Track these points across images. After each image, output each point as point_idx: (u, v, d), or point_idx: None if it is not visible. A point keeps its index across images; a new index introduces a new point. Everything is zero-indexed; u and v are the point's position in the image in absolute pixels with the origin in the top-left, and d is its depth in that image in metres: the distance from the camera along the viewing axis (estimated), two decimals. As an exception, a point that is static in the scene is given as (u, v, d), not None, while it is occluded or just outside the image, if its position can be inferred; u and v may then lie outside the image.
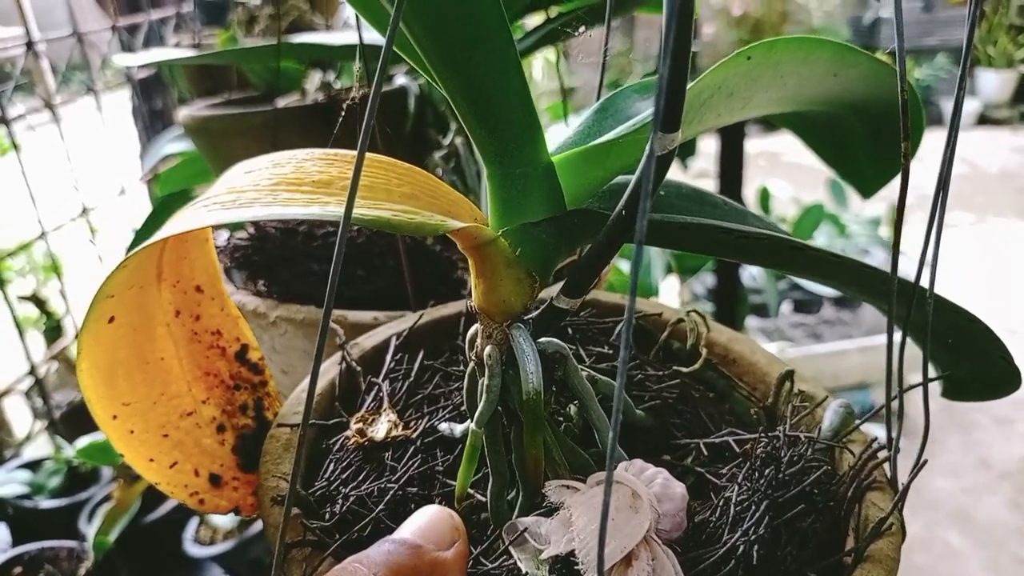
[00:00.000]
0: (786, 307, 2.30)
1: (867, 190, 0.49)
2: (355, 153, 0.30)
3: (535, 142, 0.27)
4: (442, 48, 0.26)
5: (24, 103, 1.03)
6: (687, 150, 1.25)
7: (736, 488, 0.31)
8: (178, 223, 0.27)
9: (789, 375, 0.38)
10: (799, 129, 0.50)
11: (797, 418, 0.35)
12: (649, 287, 1.32)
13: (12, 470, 1.06)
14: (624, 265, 1.49)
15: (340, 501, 0.30)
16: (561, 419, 0.33)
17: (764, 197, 2.14)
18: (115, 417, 0.33)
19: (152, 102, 1.30)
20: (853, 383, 1.96)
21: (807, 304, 2.27)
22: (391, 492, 0.30)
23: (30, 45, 1.02)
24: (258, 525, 0.99)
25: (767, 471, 0.31)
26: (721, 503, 0.30)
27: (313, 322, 0.47)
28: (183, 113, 0.67)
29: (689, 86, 0.28)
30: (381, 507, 0.30)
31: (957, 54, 5.38)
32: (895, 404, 0.32)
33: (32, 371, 1.06)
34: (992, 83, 5.40)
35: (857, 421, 0.35)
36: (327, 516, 0.30)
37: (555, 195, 0.28)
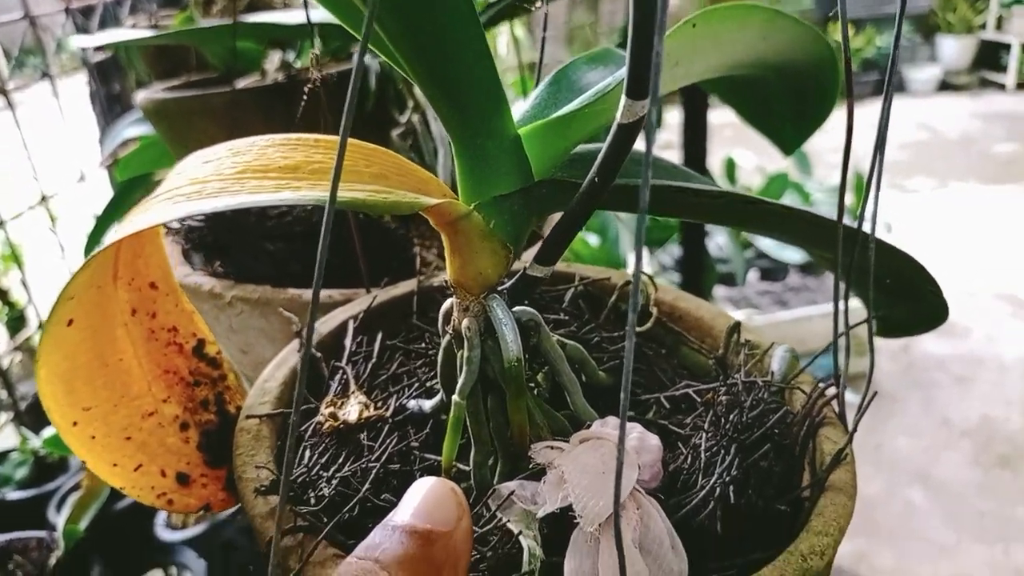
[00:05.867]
0: (753, 275, 2.35)
1: (788, 147, 0.52)
2: (317, 136, 0.30)
3: (501, 115, 0.28)
4: (406, 24, 0.26)
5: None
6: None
7: (704, 435, 0.32)
8: (145, 217, 0.27)
9: (737, 326, 0.40)
10: (726, 92, 0.52)
11: (749, 365, 0.37)
12: (617, 259, 1.34)
13: (-23, 462, 1.04)
14: (592, 239, 1.51)
15: (324, 484, 0.30)
16: (532, 385, 0.34)
17: (730, 167, 2.19)
18: (75, 424, 0.32)
19: (110, 86, 1.24)
20: (819, 347, 2.05)
21: (773, 272, 2.33)
22: (374, 471, 0.31)
23: (-20, 29, 0.97)
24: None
25: (732, 416, 0.32)
26: (691, 451, 0.32)
27: (268, 301, 0.47)
28: (141, 96, 0.64)
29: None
30: (367, 486, 0.30)
31: (918, 22, 5.52)
32: (841, 341, 0.34)
33: (-5, 362, 1.03)
34: (952, 49, 5.56)
35: (803, 363, 0.38)
36: (312, 501, 0.30)
37: (523, 167, 0.28)
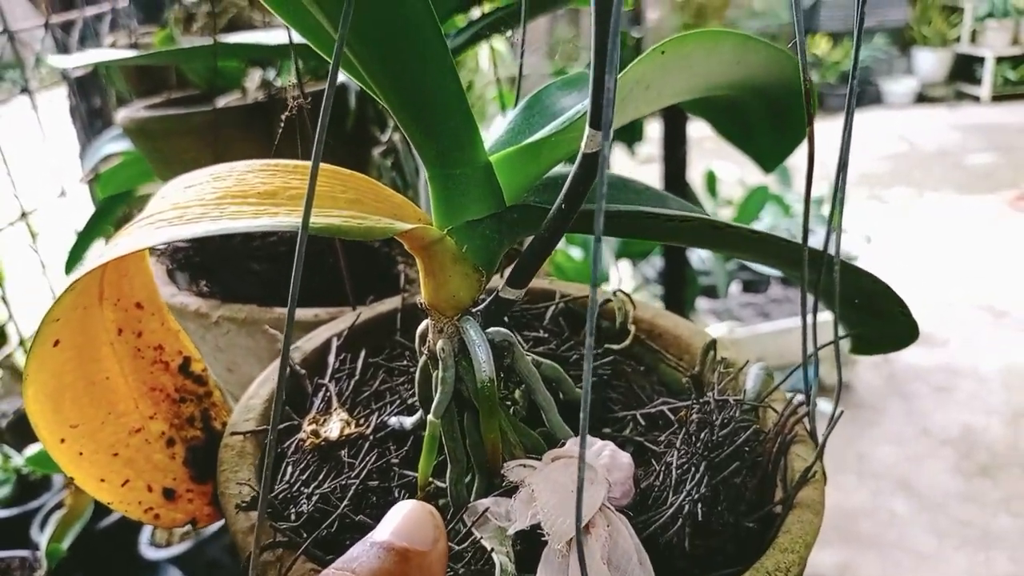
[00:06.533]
0: (735, 288, 2.35)
1: (768, 164, 0.53)
2: (296, 163, 0.30)
3: (473, 143, 0.29)
4: (380, 58, 0.27)
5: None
6: (634, 136, 1.28)
7: (675, 453, 0.33)
8: (128, 242, 0.28)
9: (713, 344, 0.40)
10: (705, 112, 0.53)
11: (723, 383, 0.38)
12: (601, 273, 1.35)
13: (-42, 482, 1.02)
14: (575, 252, 1.52)
15: (304, 501, 0.31)
16: (508, 403, 0.35)
17: (711, 180, 2.19)
18: (63, 440, 0.33)
19: (90, 101, 1.24)
20: (800, 359, 2.05)
21: (755, 284, 2.34)
22: (353, 488, 0.31)
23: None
24: (215, 525, 0.98)
25: (702, 434, 0.33)
26: (663, 468, 0.33)
27: (255, 320, 0.48)
28: (122, 114, 0.65)
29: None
30: (346, 503, 0.31)
31: (894, 35, 5.63)
32: (813, 360, 0.35)
33: (-26, 379, 1.02)
34: (928, 62, 5.68)
35: (776, 382, 0.39)
36: (292, 517, 0.31)
37: (495, 192, 0.29)
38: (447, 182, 0.29)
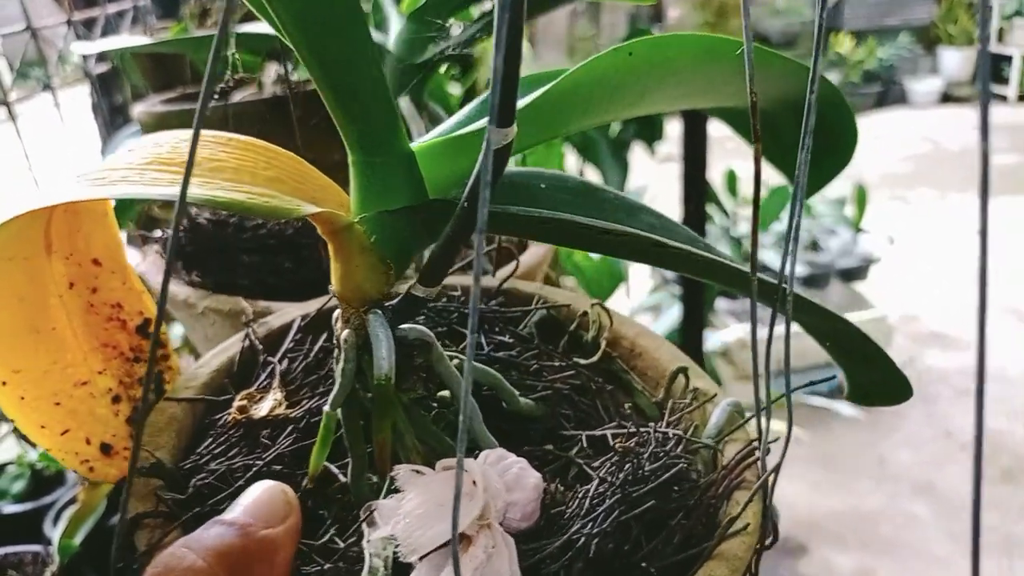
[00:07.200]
0: None
1: (808, 188, 0.49)
2: (230, 136, 0.30)
3: (394, 131, 0.27)
4: (303, 36, 0.26)
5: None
6: (653, 134, 1.24)
7: (596, 482, 0.31)
8: (43, 197, 0.28)
9: (682, 371, 0.38)
10: (736, 124, 0.49)
11: (677, 415, 0.35)
12: (619, 272, 1.32)
13: (-26, 475, 1.06)
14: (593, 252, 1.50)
15: (204, 475, 0.31)
16: (436, 404, 0.33)
17: (731, 179, 2.15)
18: (4, 383, 0.34)
19: (112, 97, 1.28)
20: (820, 362, 1.99)
21: None
22: (255, 469, 0.31)
23: (-18, 41, 1.01)
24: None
25: (626, 466, 0.31)
26: (580, 495, 0.31)
27: (239, 312, 0.48)
28: (139, 109, 0.67)
29: (557, 81, 0.28)
30: (241, 482, 0.30)
31: (919, 33, 5.46)
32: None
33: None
34: (954, 61, 5.55)
35: (741, 421, 0.36)
36: (191, 489, 0.31)
37: (415, 184, 0.28)
38: (366, 169, 0.28)
